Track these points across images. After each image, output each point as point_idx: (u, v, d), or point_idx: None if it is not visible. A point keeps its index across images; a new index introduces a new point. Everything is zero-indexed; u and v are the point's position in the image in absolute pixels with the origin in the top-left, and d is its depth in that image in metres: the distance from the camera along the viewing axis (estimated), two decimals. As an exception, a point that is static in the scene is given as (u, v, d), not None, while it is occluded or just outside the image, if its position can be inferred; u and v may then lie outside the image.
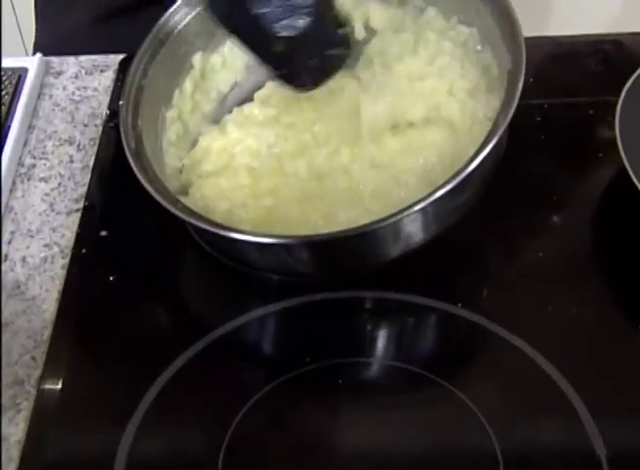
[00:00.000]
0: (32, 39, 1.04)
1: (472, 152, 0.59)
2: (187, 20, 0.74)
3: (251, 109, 0.74)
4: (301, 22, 0.63)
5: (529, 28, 0.83)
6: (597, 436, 0.57)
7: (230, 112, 0.75)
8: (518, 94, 0.62)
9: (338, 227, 0.58)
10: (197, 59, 0.75)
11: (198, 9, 0.74)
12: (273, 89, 0.74)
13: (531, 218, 0.70)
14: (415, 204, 0.58)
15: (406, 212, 0.58)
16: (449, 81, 0.69)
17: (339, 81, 0.71)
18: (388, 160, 0.66)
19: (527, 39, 0.78)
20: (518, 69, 0.62)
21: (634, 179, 0.65)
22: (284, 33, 0.64)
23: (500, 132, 0.60)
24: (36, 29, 1.07)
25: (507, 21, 0.66)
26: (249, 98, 0.76)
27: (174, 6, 0.74)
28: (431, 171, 0.64)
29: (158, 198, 0.62)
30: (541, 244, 0.69)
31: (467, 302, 0.64)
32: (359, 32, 0.74)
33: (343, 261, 0.64)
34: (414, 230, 0.62)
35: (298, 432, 0.59)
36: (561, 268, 0.67)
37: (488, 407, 0.59)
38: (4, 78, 0.83)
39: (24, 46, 1.61)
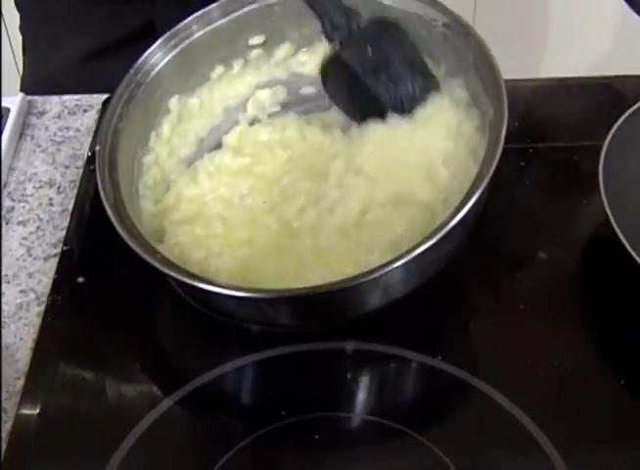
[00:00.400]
0: (13, 78, 1.05)
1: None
2: (164, 62, 0.74)
3: (222, 157, 0.74)
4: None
5: (521, 71, 0.84)
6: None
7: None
8: (501, 141, 0.62)
9: (310, 283, 0.58)
10: (173, 102, 0.75)
11: (174, 52, 0.74)
12: (241, 134, 0.74)
13: (513, 268, 0.70)
14: (396, 260, 0.57)
15: (387, 268, 0.57)
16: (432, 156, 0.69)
17: (317, 133, 0.71)
18: (354, 231, 0.66)
19: (514, 81, 0.79)
20: (500, 121, 0.62)
21: (616, 228, 0.65)
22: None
23: (484, 185, 0.59)
24: (23, 68, 1.09)
25: (490, 74, 0.66)
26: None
27: (150, 49, 0.74)
28: (398, 242, 0.64)
29: (137, 250, 0.62)
30: (524, 293, 0.69)
31: (447, 354, 0.64)
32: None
33: (323, 314, 0.64)
34: (395, 284, 0.62)
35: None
36: (543, 319, 0.67)
37: (466, 464, 0.58)
38: (-15, 119, 0.83)
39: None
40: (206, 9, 0.75)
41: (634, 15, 0.82)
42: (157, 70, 0.73)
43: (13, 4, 1.05)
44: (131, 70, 0.73)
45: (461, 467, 0.58)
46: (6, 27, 1.54)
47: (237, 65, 0.77)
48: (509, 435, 0.60)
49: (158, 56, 0.73)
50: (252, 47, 0.77)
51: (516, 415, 0.60)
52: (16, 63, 1.17)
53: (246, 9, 0.75)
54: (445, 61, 0.71)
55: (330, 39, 0.71)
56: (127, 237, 0.62)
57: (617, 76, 0.87)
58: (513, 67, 0.77)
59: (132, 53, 0.75)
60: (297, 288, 0.60)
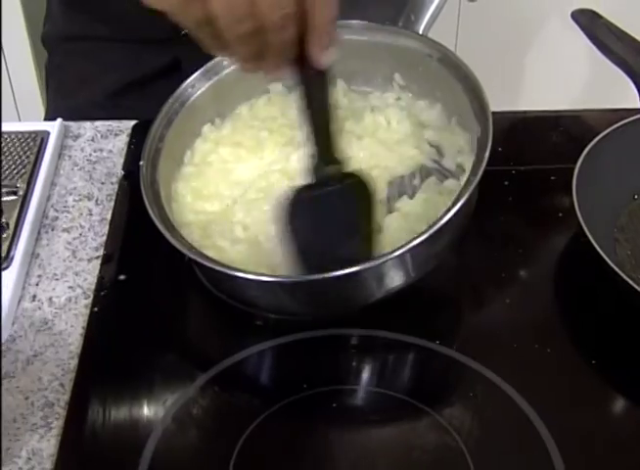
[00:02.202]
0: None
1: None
2: (197, 93, 0.84)
3: None
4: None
5: (501, 104, 0.94)
6: (557, 454, 0.66)
7: None
8: (486, 156, 0.71)
9: None
10: (205, 129, 0.84)
11: (208, 83, 0.84)
12: None
13: (500, 269, 0.80)
14: (395, 250, 0.67)
15: (387, 257, 0.67)
16: None
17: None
18: None
19: (498, 113, 0.89)
20: (485, 136, 0.72)
21: (590, 236, 0.75)
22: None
23: (471, 188, 0.69)
24: (47, 104, 1.15)
25: (476, 96, 0.76)
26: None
27: (188, 80, 0.84)
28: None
29: (175, 244, 0.71)
30: (508, 291, 0.79)
31: (443, 339, 0.74)
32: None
33: (333, 301, 0.73)
34: (394, 274, 0.71)
35: (298, 445, 0.68)
36: (525, 312, 0.77)
37: (462, 428, 0.68)
38: (29, 140, 0.93)
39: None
40: None
41: (602, 56, 0.94)
42: (192, 99, 0.83)
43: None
44: (170, 100, 0.82)
45: (456, 429, 0.67)
46: (5, 62, 1.65)
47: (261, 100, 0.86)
48: (499, 404, 0.69)
49: (195, 87, 0.83)
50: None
51: (504, 389, 0.70)
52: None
53: None
54: (439, 89, 0.82)
55: (312, 176, 0.72)
56: (167, 234, 0.72)
57: (585, 110, 0.98)
58: (497, 102, 0.88)
59: (158, 89, 0.83)
60: (310, 275, 0.70)
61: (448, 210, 0.68)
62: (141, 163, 0.78)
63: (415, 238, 0.67)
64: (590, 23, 0.97)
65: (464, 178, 0.72)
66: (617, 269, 0.72)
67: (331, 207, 0.72)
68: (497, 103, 0.89)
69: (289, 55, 0.63)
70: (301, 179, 0.73)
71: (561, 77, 1.75)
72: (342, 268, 0.67)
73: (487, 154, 0.71)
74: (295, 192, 0.71)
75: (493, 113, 0.75)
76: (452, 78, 0.79)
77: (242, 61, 0.64)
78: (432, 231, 0.68)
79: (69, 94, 1.10)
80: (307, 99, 0.68)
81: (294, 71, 0.66)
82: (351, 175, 0.72)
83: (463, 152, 0.79)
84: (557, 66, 1.76)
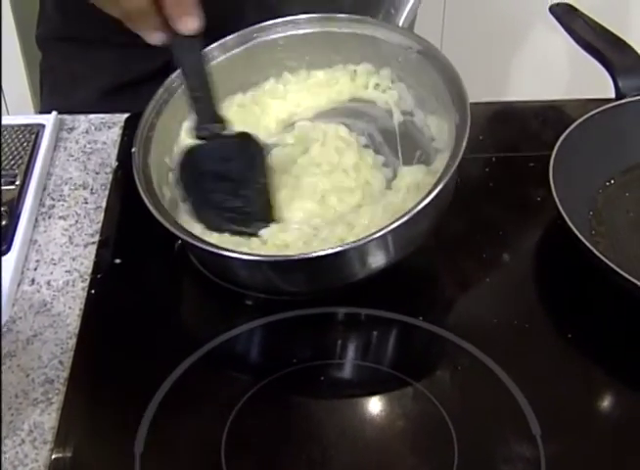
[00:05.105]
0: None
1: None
2: None
3: None
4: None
5: (487, 96, 0.98)
6: (534, 421, 0.69)
7: None
8: (464, 142, 0.74)
9: None
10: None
11: None
12: None
13: (480, 251, 0.83)
14: (378, 231, 0.70)
15: (370, 237, 0.70)
16: None
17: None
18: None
19: (480, 104, 0.93)
20: (464, 123, 0.75)
21: (566, 218, 0.78)
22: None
23: (450, 173, 0.72)
24: (41, 103, 1.17)
25: (454, 85, 0.79)
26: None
27: (177, 71, 0.87)
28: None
29: (167, 225, 0.75)
30: (488, 271, 0.82)
31: (427, 315, 0.77)
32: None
33: (318, 279, 0.76)
34: (378, 254, 0.74)
35: (288, 417, 0.71)
36: (504, 290, 0.81)
37: (445, 398, 0.71)
38: (25, 133, 0.96)
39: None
40: (224, 39, 0.88)
41: (577, 47, 0.98)
42: (181, 90, 0.85)
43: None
44: (160, 90, 0.85)
45: (439, 400, 0.71)
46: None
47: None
48: (479, 376, 0.72)
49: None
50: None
51: (485, 361, 0.73)
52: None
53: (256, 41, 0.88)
54: (418, 80, 0.85)
55: (195, 133, 0.79)
56: (159, 216, 0.75)
57: (563, 100, 1.02)
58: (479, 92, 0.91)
59: (151, 90, 0.85)
60: (296, 254, 0.73)
61: (428, 193, 0.71)
62: (133, 149, 0.81)
63: (395, 220, 0.70)
64: (567, 17, 1.01)
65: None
66: (592, 248, 0.75)
67: (218, 161, 0.79)
68: (483, 95, 0.93)
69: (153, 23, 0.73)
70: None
71: (544, 70, 1.80)
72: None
73: (465, 140, 0.74)
74: (184, 151, 0.79)
75: (476, 103, 0.79)
76: (432, 70, 0.82)
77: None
78: (411, 214, 0.71)
79: (63, 94, 1.12)
80: (181, 63, 0.77)
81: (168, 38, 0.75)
82: (239, 134, 0.79)
83: (443, 140, 0.82)
84: (540, 59, 1.81)
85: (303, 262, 0.72)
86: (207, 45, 0.86)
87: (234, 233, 0.79)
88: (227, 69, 0.88)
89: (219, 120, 0.78)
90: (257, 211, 0.80)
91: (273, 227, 0.79)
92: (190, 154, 0.79)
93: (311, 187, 0.82)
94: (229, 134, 0.79)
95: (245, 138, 0.79)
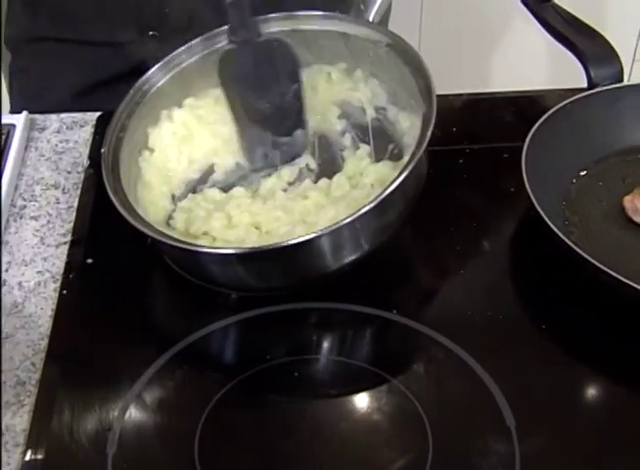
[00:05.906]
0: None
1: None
2: (158, 84, 0.86)
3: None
4: None
5: (467, 88, 0.98)
6: (509, 412, 0.69)
7: None
8: (429, 131, 0.73)
9: None
10: (164, 114, 0.87)
11: (168, 75, 0.86)
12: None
13: (454, 242, 0.83)
14: (344, 219, 0.70)
15: (338, 225, 0.70)
16: None
17: None
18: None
19: (453, 95, 0.93)
20: (430, 112, 0.75)
21: (539, 209, 0.78)
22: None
23: (415, 160, 0.72)
24: (11, 106, 1.14)
25: (421, 76, 0.78)
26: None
27: (149, 72, 0.86)
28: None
29: (134, 223, 0.74)
30: (462, 262, 0.82)
31: (400, 309, 0.77)
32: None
33: (289, 272, 0.75)
34: (347, 244, 0.74)
35: (262, 414, 0.71)
36: (478, 282, 0.80)
37: (420, 392, 0.71)
38: (-5, 133, 0.95)
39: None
40: (192, 42, 0.87)
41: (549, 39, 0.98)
42: (153, 90, 0.85)
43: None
44: (131, 91, 0.85)
45: (414, 393, 0.70)
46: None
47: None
48: (454, 369, 0.72)
49: (153, 79, 0.85)
50: None
51: (459, 354, 0.73)
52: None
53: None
54: (389, 74, 0.84)
55: (230, 38, 0.84)
56: (121, 208, 0.75)
57: (536, 91, 1.01)
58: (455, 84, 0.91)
59: (122, 90, 0.85)
60: (261, 244, 0.73)
61: (394, 180, 0.71)
62: (102, 149, 0.80)
63: (362, 207, 0.70)
64: (538, 7, 1.01)
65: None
66: (564, 238, 0.75)
67: (251, 65, 0.84)
68: (462, 88, 0.93)
69: None
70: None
71: (524, 62, 1.81)
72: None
73: (431, 128, 0.74)
74: (220, 57, 0.84)
75: (449, 95, 0.79)
76: (400, 62, 0.82)
77: None
78: (377, 200, 0.70)
79: (35, 95, 1.11)
80: None
81: None
82: (272, 40, 0.84)
83: (412, 131, 0.81)
84: (519, 50, 1.82)
85: (271, 253, 0.71)
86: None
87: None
88: (202, 67, 0.87)
89: (252, 27, 0.83)
90: (289, 117, 0.85)
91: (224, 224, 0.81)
92: (225, 60, 0.84)
93: (270, 192, 0.84)
94: (262, 40, 0.83)
95: (278, 44, 0.83)
